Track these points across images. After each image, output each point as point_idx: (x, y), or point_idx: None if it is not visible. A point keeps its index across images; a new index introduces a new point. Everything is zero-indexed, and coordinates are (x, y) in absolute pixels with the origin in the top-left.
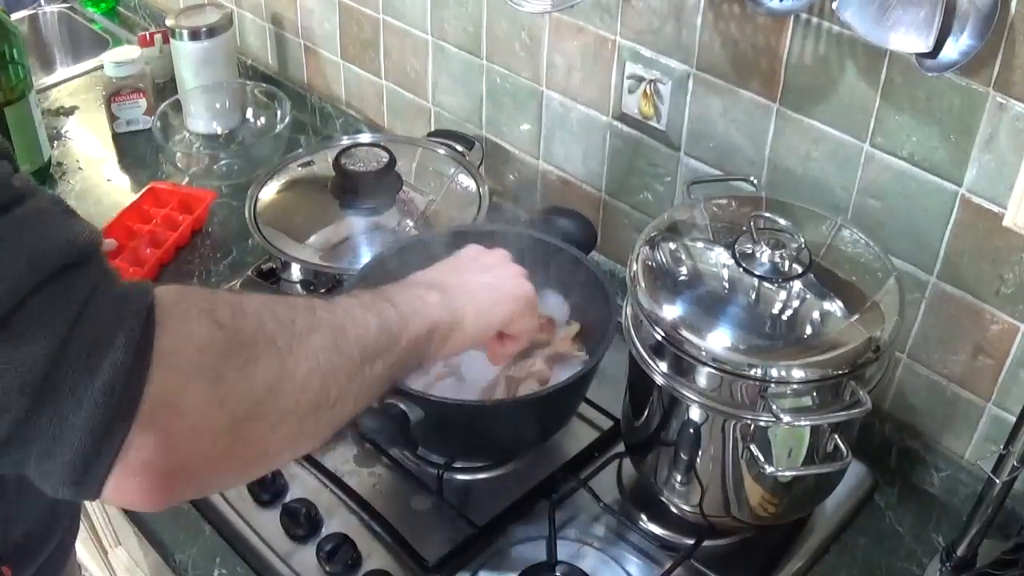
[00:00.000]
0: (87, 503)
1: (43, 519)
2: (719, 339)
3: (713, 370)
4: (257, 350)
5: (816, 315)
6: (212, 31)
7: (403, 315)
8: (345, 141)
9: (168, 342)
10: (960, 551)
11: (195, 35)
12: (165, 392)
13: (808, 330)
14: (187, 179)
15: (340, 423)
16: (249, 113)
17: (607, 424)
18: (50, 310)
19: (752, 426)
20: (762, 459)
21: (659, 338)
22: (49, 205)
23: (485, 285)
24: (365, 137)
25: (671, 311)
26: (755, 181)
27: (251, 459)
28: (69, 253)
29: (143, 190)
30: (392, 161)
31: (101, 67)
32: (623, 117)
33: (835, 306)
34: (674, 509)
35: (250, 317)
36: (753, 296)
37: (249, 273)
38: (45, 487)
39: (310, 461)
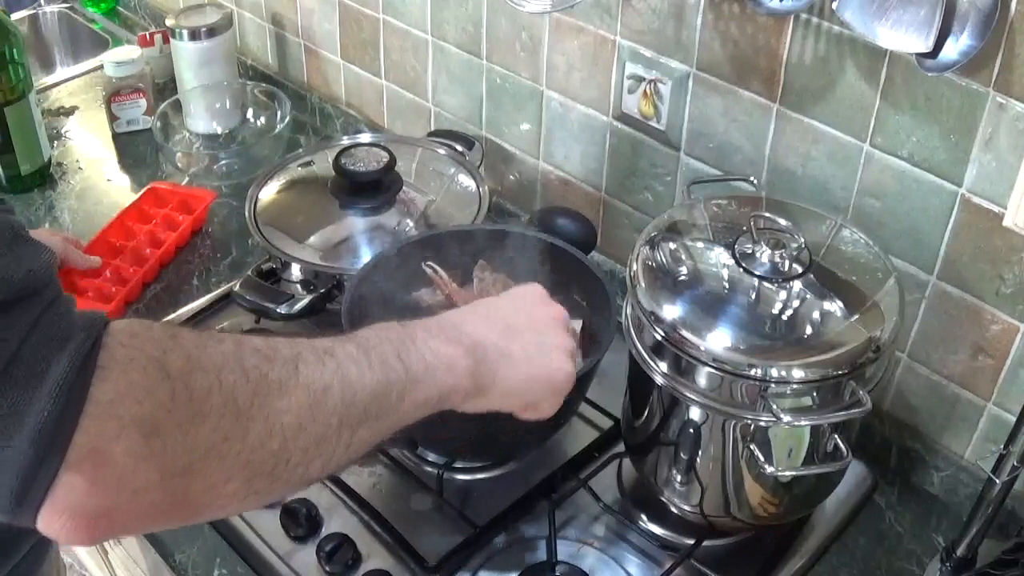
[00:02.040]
0: None
1: None
2: (719, 339)
3: (713, 370)
4: (208, 406)
5: (816, 315)
6: (212, 31)
7: (413, 377)
8: (345, 141)
9: (105, 391)
10: (960, 551)
11: (195, 35)
12: (95, 440)
13: (808, 330)
14: (187, 179)
15: (304, 484)
16: (249, 113)
17: (607, 424)
18: None
19: (752, 426)
20: (762, 459)
21: (659, 338)
22: None
23: (527, 358)
24: (365, 137)
25: (671, 311)
26: (755, 181)
27: (186, 513)
28: (8, 290)
29: (143, 190)
30: (392, 161)
31: (101, 67)
32: (623, 117)
33: (835, 306)
34: (674, 509)
35: (208, 370)
36: (753, 296)
37: (249, 273)
38: None
39: None
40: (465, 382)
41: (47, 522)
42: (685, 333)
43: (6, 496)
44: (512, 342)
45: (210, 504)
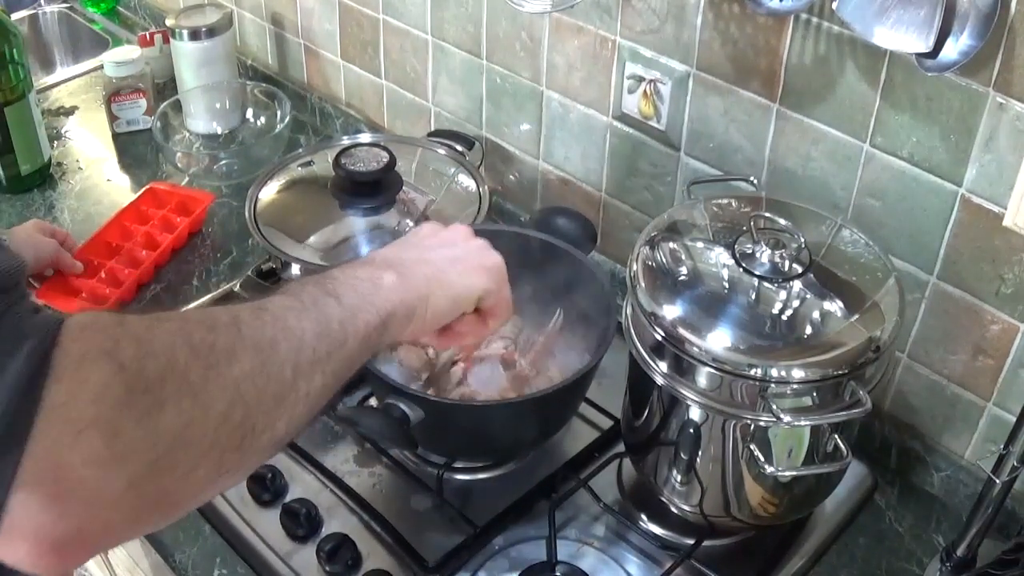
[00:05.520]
0: None
1: None
2: (719, 339)
3: (713, 370)
4: (164, 392)
5: (816, 315)
6: (212, 31)
7: (350, 309)
8: (345, 141)
9: (59, 393)
10: (960, 551)
11: (195, 35)
12: (52, 450)
13: (808, 330)
14: (187, 179)
15: (272, 449)
16: (249, 113)
17: (607, 424)
18: None
19: (752, 426)
20: (762, 459)
21: (659, 338)
22: None
23: (450, 258)
24: (365, 137)
25: (671, 311)
26: (755, 181)
27: (163, 510)
28: None
29: (142, 190)
30: (392, 161)
31: (101, 67)
32: (623, 117)
33: (835, 306)
34: (674, 509)
35: (159, 353)
36: (753, 296)
37: (249, 273)
38: None
39: (310, 461)
40: (400, 295)
41: (6, 551)
42: (685, 333)
43: None
44: (428, 253)
45: (185, 495)
